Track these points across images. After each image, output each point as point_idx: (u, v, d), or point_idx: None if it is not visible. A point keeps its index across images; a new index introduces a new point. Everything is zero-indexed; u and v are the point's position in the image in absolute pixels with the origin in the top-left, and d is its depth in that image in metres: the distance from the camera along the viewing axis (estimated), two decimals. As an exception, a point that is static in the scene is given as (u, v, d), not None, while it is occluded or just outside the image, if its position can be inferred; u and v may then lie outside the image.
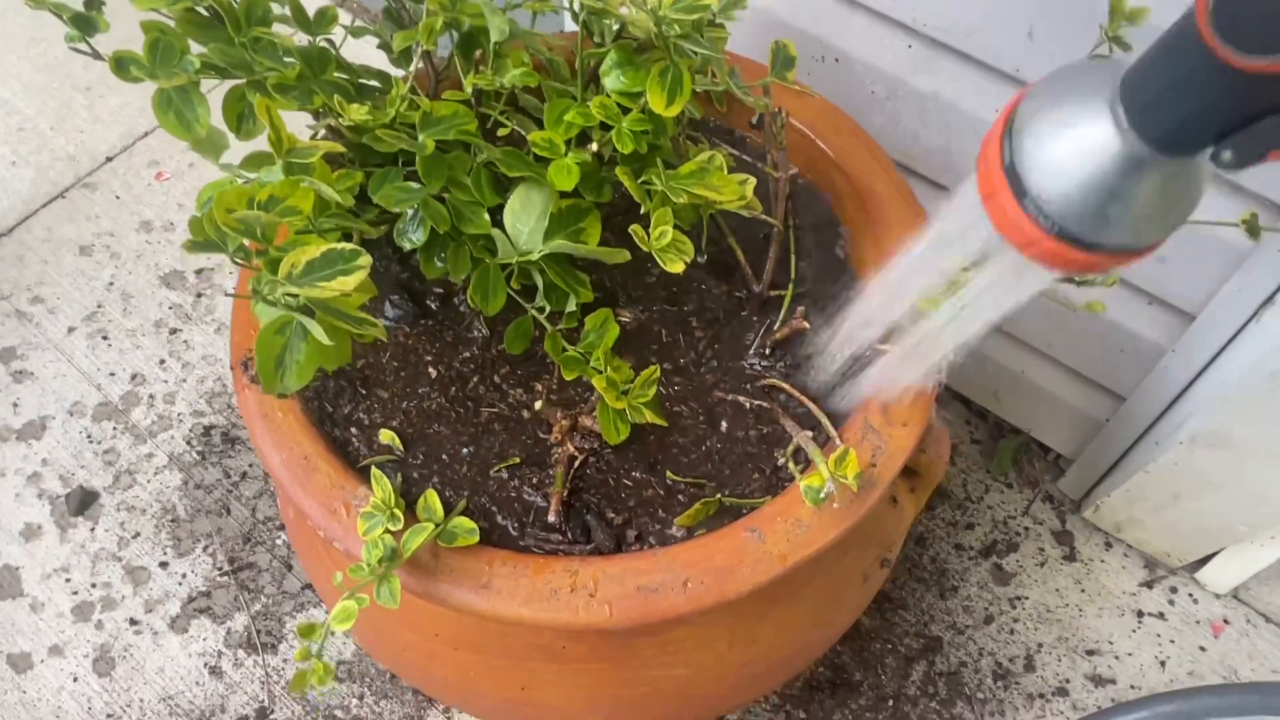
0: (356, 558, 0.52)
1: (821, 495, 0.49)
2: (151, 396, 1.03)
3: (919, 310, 0.50)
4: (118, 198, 1.17)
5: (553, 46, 0.65)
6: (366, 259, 0.44)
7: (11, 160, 1.20)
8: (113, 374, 1.04)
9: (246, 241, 0.48)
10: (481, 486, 0.58)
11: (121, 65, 0.53)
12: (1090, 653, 0.90)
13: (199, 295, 1.09)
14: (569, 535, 0.56)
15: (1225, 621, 0.91)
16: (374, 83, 0.63)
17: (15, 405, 1.02)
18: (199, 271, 1.11)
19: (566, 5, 0.58)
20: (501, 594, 0.53)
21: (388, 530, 0.52)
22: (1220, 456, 0.75)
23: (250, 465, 0.99)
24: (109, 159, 1.20)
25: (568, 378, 0.56)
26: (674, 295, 0.65)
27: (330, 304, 0.46)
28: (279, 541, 0.95)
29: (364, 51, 0.63)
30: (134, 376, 1.04)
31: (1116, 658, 0.90)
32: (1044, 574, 0.93)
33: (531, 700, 0.63)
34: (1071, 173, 0.37)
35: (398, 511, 0.52)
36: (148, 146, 1.21)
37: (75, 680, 0.88)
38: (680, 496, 0.58)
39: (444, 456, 0.59)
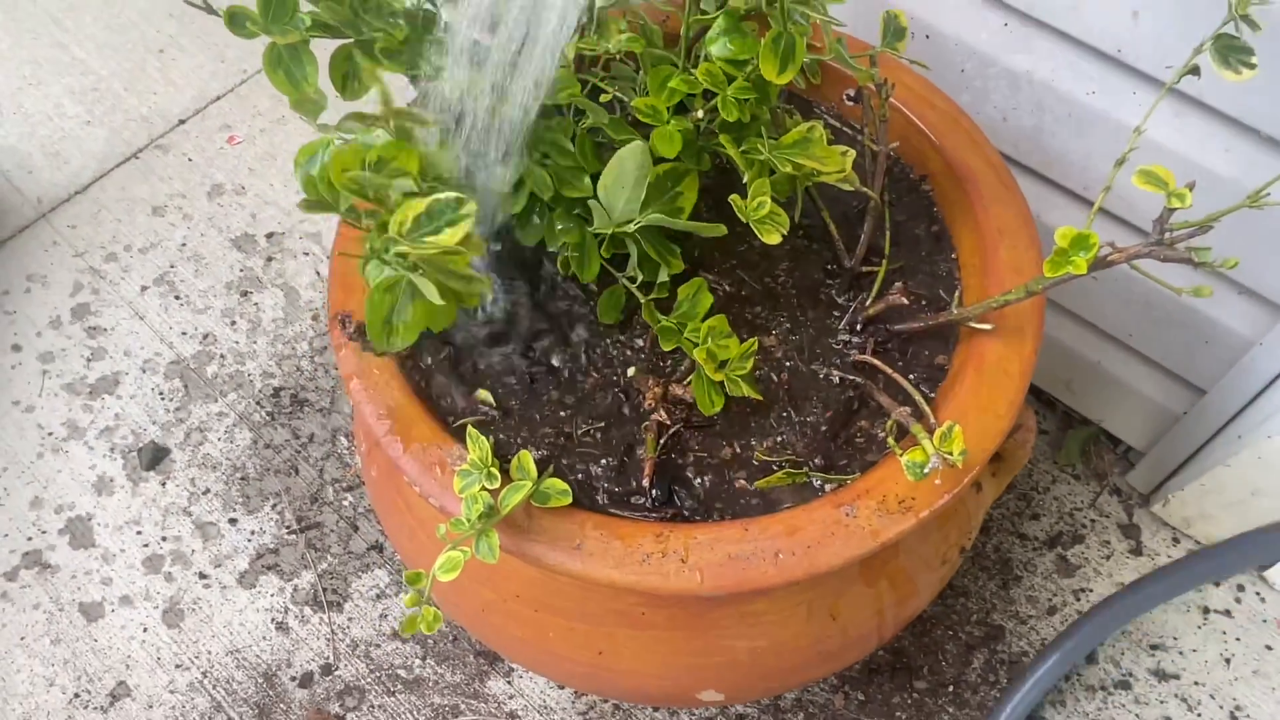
0: (451, 514, 0.53)
1: (925, 471, 0.49)
2: (222, 357, 1.04)
3: None
4: (190, 160, 1.18)
5: (650, 14, 0.64)
6: (472, 205, 0.44)
7: (86, 119, 1.21)
8: (184, 333, 1.06)
9: (355, 201, 0.48)
10: (570, 449, 0.59)
11: (236, 20, 0.53)
12: (1154, 647, 0.89)
13: (269, 259, 1.11)
14: (655, 500, 0.57)
15: (1294, 622, 0.90)
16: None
17: (89, 360, 1.04)
18: (269, 236, 1.12)
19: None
20: (594, 556, 0.53)
21: (484, 488, 0.52)
22: (1307, 453, 0.74)
23: (319, 428, 1.00)
24: (181, 121, 1.21)
25: (665, 348, 0.56)
26: (764, 267, 0.65)
27: (439, 262, 0.46)
28: (346, 503, 0.96)
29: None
30: (205, 336, 1.06)
31: (1181, 653, 0.89)
32: (1110, 567, 0.92)
33: (607, 665, 0.63)
34: None
35: (494, 470, 0.53)
36: (219, 110, 1.22)
37: (145, 630, 0.90)
38: (766, 467, 0.58)
39: (534, 419, 0.59)
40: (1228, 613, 0.91)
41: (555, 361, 0.62)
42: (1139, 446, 0.94)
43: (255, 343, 1.05)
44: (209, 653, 0.89)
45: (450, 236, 0.45)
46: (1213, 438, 0.84)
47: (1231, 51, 0.50)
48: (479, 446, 0.54)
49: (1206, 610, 0.91)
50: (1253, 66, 0.50)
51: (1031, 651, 0.88)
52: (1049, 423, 1.00)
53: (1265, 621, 0.90)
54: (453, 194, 0.45)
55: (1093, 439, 0.97)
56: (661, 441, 0.58)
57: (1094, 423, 0.96)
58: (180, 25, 1.30)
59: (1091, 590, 0.91)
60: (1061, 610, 0.90)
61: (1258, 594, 0.91)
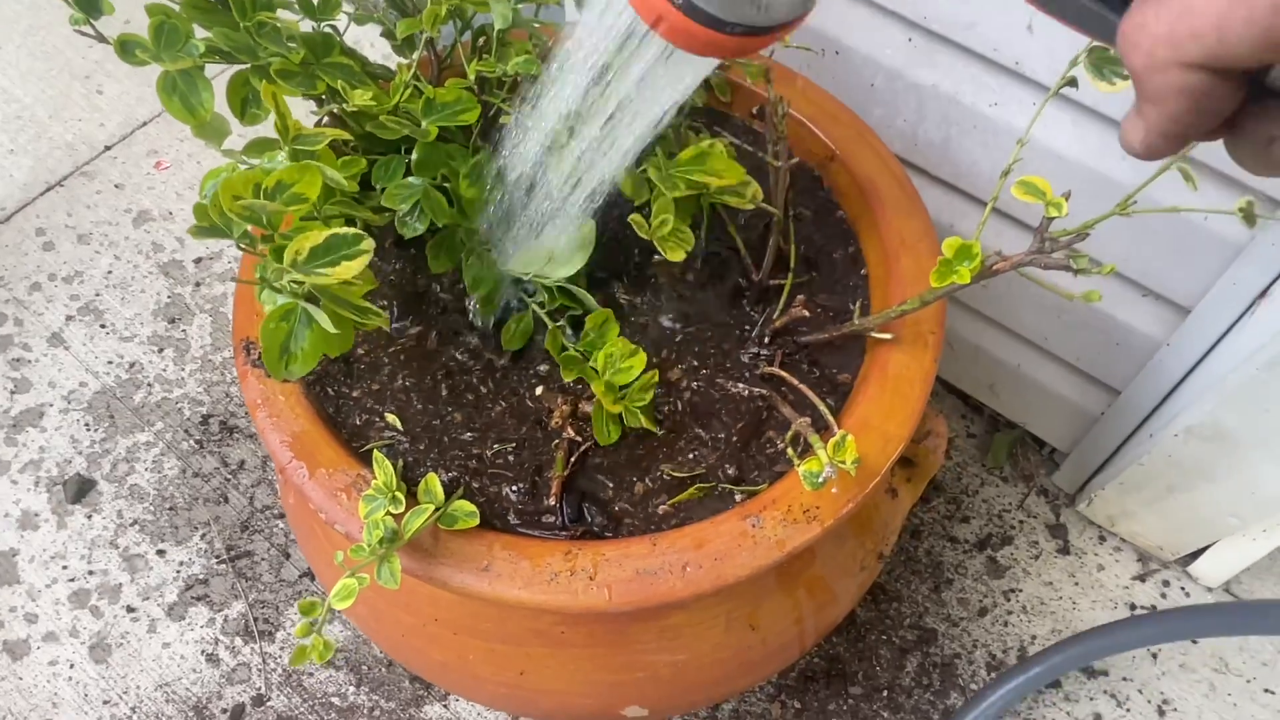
0: (357, 540, 0.53)
1: (820, 480, 0.50)
2: (150, 385, 1.03)
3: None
4: (117, 187, 1.17)
5: (554, 36, 0.65)
6: (370, 243, 0.45)
7: (10, 148, 1.19)
8: (110, 362, 1.04)
9: (250, 227, 0.48)
10: (480, 470, 0.58)
11: (126, 49, 0.53)
12: (1083, 645, 0.91)
13: (197, 285, 1.09)
14: (565, 518, 0.57)
15: (1217, 615, 0.92)
16: (374, 72, 0.63)
17: (12, 393, 1.02)
18: (197, 261, 1.11)
19: (570, -7, 0.58)
20: (501, 577, 0.53)
21: (389, 513, 0.52)
22: (1214, 449, 0.75)
23: (248, 454, 0.99)
24: (108, 148, 1.20)
25: (567, 379, 0.56)
26: (673, 284, 0.66)
27: (334, 292, 0.46)
28: (276, 530, 0.95)
29: (360, 45, 0.63)
30: (132, 365, 1.04)
31: (1109, 650, 0.90)
32: (1038, 567, 0.94)
33: (530, 685, 0.63)
34: None
35: (399, 494, 0.53)
36: (147, 135, 1.21)
37: (72, 667, 0.88)
38: (678, 482, 0.59)
39: (444, 441, 0.59)
40: (1154, 608, 0.93)
41: (465, 383, 0.62)
42: (1062, 447, 0.96)
43: (183, 370, 1.04)
44: (138, 688, 0.87)
45: (347, 270, 0.45)
46: (1129, 437, 0.86)
47: (1105, 63, 0.51)
48: (384, 470, 0.54)
49: (1134, 607, 0.93)
50: (1125, 78, 0.51)
51: (964, 654, 0.90)
52: (976, 426, 1.01)
53: (1190, 615, 0.92)
54: (352, 230, 0.45)
55: (1018, 441, 0.99)
56: (572, 460, 0.58)
57: (1019, 425, 0.98)
58: (106, 51, 1.27)
59: (1021, 590, 0.93)
60: (992, 611, 0.92)
61: (1183, 589, 0.94)
